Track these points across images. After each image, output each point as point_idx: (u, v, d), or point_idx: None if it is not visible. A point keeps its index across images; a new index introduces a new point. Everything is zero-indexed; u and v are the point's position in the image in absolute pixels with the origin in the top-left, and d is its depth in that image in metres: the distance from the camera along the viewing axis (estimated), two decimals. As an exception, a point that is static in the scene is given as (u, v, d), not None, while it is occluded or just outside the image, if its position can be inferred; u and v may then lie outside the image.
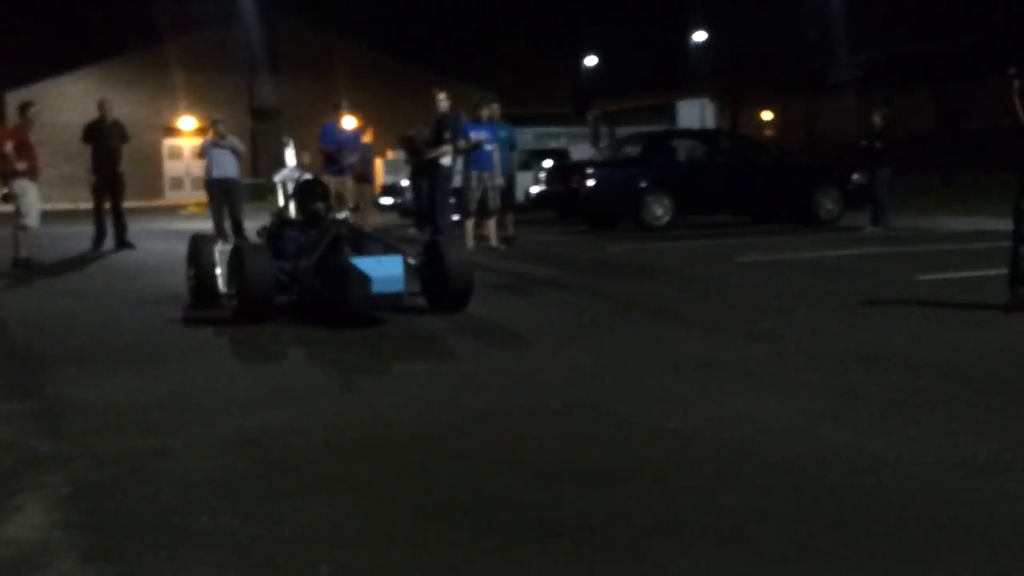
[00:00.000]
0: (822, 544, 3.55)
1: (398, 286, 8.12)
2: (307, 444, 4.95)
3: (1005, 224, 17.08)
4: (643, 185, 19.20)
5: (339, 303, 8.43)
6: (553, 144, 30.60)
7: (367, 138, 19.02)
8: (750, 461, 4.52)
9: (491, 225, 16.12)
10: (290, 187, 10.30)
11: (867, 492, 4.07)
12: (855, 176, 19.70)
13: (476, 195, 15.83)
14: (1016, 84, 8.16)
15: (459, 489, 4.24)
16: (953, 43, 29.32)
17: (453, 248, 9.27)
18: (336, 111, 16.71)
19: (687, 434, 5.00)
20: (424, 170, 15.31)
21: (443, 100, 15.24)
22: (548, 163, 23.85)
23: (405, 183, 21.13)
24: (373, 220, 19.70)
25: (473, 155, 15.73)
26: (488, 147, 15.81)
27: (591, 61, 53.36)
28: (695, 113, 36.14)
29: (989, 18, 28.73)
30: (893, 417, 5.22)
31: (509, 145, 17.11)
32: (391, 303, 8.37)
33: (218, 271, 9.26)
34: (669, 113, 38.41)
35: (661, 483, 4.27)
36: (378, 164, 31.12)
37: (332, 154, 16.84)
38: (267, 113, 44.64)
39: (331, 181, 16.21)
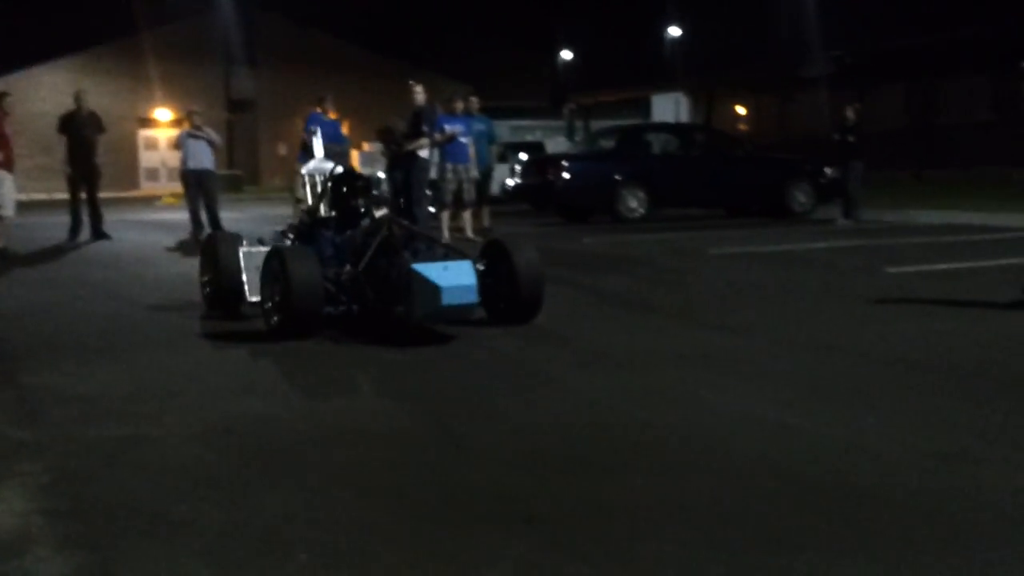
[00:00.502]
0: (796, 532, 3.64)
1: (471, 297, 7.11)
2: (286, 433, 5.01)
3: (974, 218, 17.35)
4: (618, 178, 19.30)
5: (401, 317, 7.35)
6: (529, 137, 30.66)
7: (344, 130, 18.99)
8: (726, 452, 4.61)
9: (466, 217, 16.20)
10: (318, 180, 9.17)
11: (839, 481, 4.16)
12: (827, 170, 19.85)
13: (452, 187, 15.92)
14: None
15: (440, 477, 4.31)
16: (925, 40, 29.54)
17: (521, 248, 7.94)
18: (321, 102, 16.70)
19: (665, 425, 5.08)
20: (401, 162, 15.36)
21: (419, 93, 15.30)
22: (523, 156, 23.93)
23: (381, 175, 21.15)
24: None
25: (448, 148, 15.81)
26: (463, 140, 15.90)
27: (567, 55, 53.44)
28: (670, 107, 36.34)
29: (962, 15, 28.96)
30: (864, 408, 5.32)
31: (488, 138, 17.19)
32: (460, 316, 7.38)
33: (245, 275, 8.24)
34: (644, 107, 38.62)
35: (640, 473, 4.35)
36: (354, 156, 31.10)
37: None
38: (243, 105, 44.54)
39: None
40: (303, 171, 9.48)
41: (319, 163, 9.48)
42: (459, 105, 16.43)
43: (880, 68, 31.11)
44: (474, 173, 16.18)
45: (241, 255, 8.34)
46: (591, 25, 49.47)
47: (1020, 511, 3.79)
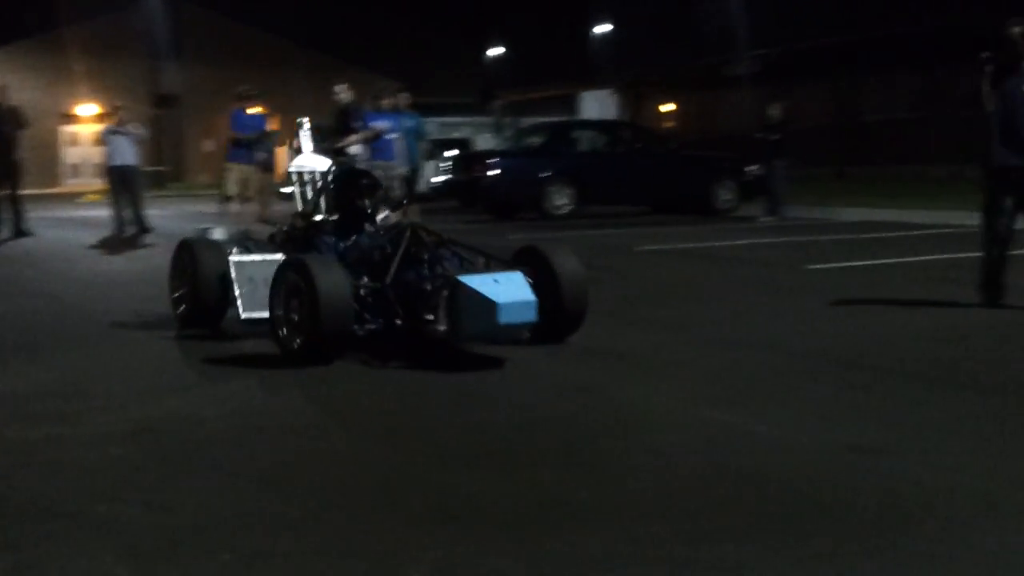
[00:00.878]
0: (718, 525, 3.71)
1: (530, 315, 6.26)
2: (208, 432, 5.01)
3: (894, 215, 17.68)
4: (546, 175, 19.42)
5: (439, 336, 6.47)
6: (457, 134, 30.68)
7: (271, 126, 18.89)
8: (646, 445, 4.70)
9: (393, 216, 16.17)
10: (306, 177, 8.23)
11: (758, 474, 4.26)
12: (751, 167, 20.10)
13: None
14: (989, 69, 7.98)
15: (361, 475, 4.34)
16: (848, 39, 30.04)
17: (562, 254, 7.15)
18: (243, 99, 16.57)
19: (586, 420, 5.17)
20: (330, 159, 15.31)
21: (343, 92, 15.30)
22: (450, 153, 23.97)
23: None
24: (276, 209, 19.63)
25: (375, 144, 15.77)
26: (390, 136, 15.88)
27: (496, 51, 53.49)
28: (598, 104, 36.53)
29: (882, 14, 29.47)
30: (782, 402, 5.45)
31: (416, 135, 17.18)
32: (512, 336, 6.59)
33: (238, 289, 7.15)
34: (573, 104, 38.78)
35: (566, 469, 4.41)
36: (281, 153, 30.94)
37: (248, 140, 16.63)
38: (169, 100, 44.03)
39: (237, 169, 16.15)
40: (291, 169, 8.42)
41: (308, 159, 8.39)
42: (387, 102, 16.41)
43: (804, 66, 31.55)
44: (401, 170, 16.17)
45: (232, 265, 7.24)
46: (520, 22, 49.56)
47: (930, 503, 3.90)
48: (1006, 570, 3.31)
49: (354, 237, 7.30)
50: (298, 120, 9.36)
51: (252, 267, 7.23)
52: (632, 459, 4.52)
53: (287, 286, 6.50)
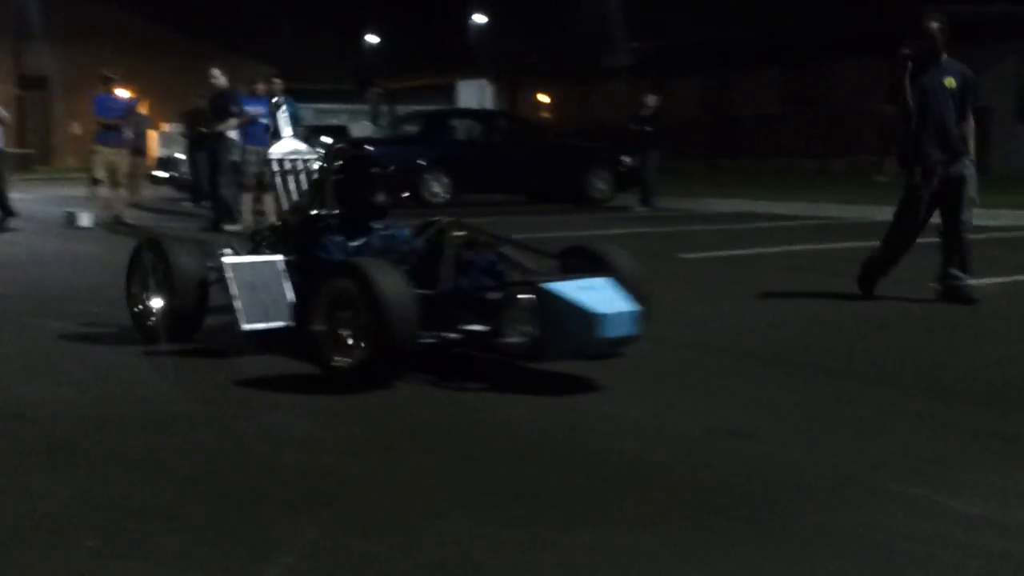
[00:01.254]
0: (589, 508, 3.76)
1: (632, 328, 5.48)
2: (75, 419, 4.91)
3: (762, 206, 18.08)
4: (422, 163, 19.40)
5: (512, 351, 5.62)
6: (334, 121, 30.48)
7: (143, 109, 18.56)
8: (520, 431, 4.75)
9: (269, 201, 16.01)
10: (287, 166, 7.23)
11: (629, 458, 4.33)
12: (626, 158, 20.33)
13: (252, 170, 15.71)
14: (909, 66, 7.87)
15: (230, 463, 4.29)
16: (719, 35, 30.68)
17: (619, 254, 6.34)
18: (107, 82, 16.20)
19: (460, 405, 5.19)
20: (204, 143, 15.16)
21: (219, 77, 15.12)
22: (325, 139, 23.81)
23: (181, 156, 20.74)
24: (147, 194, 19.30)
25: (249, 130, 15.59)
26: (264, 122, 15.71)
27: (374, 39, 53.21)
28: (475, 94, 36.64)
29: (754, 13, 30.16)
30: (654, 388, 5.55)
31: (291, 121, 17.00)
32: (606, 352, 5.67)
33: (237, 296, 6.00)
34: (450, 93, 38.82)
35: (434, 452, 4.44)
36: (153, 136, 30.34)
37: (112, 124, 16.28)
38: (36, 81, 42.84)
39: (106, 152, 15.80)
40: (271, 156, 7.35)
41: (289, 144, 7.47)
42: (261, 87, 16.23)
43: (676, 61, 32.07)
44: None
45: (228, 268, 6.08)
46: (397, 9, 49.38)
47: (791, 483, 4.02)
48: (855, 545, 3.42)
49: (364, 237, 6.35)
50: (275, 100, 8.46)
51: (251, 270, 6.15)
52: (502, 444, 4.56)
53: (333, 295, 5.56)
